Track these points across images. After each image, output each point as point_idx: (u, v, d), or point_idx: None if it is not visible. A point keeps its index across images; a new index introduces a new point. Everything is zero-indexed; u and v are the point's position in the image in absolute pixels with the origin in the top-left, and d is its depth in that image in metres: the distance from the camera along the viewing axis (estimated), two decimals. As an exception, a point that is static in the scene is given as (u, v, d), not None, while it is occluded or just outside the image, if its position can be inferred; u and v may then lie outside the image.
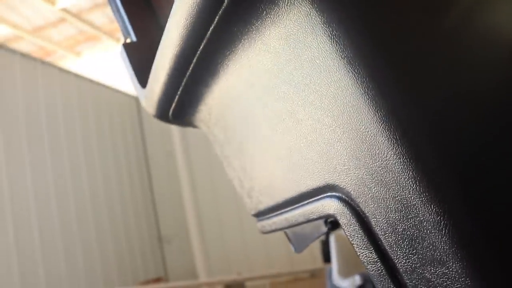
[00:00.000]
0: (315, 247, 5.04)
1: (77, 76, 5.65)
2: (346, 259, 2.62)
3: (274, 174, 0.52)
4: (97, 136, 5.63)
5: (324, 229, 0.55)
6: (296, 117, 0.47)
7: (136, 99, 6.43)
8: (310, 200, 0.50)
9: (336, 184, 0.46)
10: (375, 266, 0.46)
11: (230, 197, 5.60)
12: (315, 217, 0.50)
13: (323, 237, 4.63)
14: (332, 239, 2.78)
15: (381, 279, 0.46)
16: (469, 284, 0.39)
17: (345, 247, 2.79)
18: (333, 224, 0.53)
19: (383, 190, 0.42)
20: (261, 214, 0.61)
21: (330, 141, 0.45)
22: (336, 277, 2.17)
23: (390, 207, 0.42)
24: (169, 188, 6.24)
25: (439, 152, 0.39)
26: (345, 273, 2.18)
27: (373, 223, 0.45)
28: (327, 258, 4.40)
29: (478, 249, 0.39)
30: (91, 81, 5.89)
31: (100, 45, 7.11)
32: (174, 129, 5.81)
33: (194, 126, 0.66)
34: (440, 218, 0.39)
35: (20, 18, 5.98)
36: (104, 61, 7.15)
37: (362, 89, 0.39)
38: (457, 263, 0.40)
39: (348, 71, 0.39)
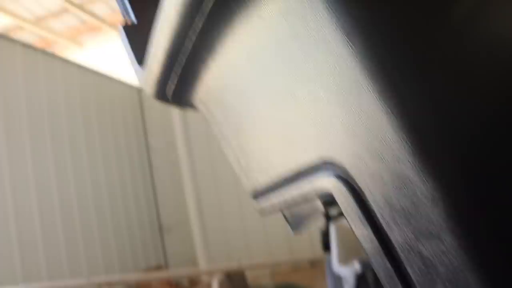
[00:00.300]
0: (315, 236, 5.05)
1: (79, 66, 5.66)
2: (346, 248, 2.62)
3: (272, 152, 0.52)
4: (99, 126, 5.64)
5: (322, 209, 0.55)
6: (294, 92, 0.47)
7: (138, 90, 6.43)
8: (307, 177, 0.49)
9: (333, 160, 0.46)
10: (371, 243, 0.46)
11: (231, 186, 5.61)
12: (312, 194, 0.50)
13: (323, 227, 4.64)
14: (333, 228, 2.78)
15: (377, 256, 0.46)
16: (465, 259, 0.39)
17: (346, 236, 2.79)
18: (330, 204, 0.53)
19: (380, 165, 0.42)
20: (259, 195, 0.61)
21: (328, 116, 0.44)
22: (336, 265, 2.18)
23: (387, 182, 0.42)
24: (170, 178, 6.26)
25: (437, 126, 0.39)
26: (345, 261, 2.19)
27: (370, 199, 0.45)
28: (326, 247, 4.42)
29: (474, 225, 0.39)
30: (93, 71, 5.89)
31: (102, 36, 7.11)
32: (176, 119, 5.80)
33: (193, 107, 0.66)
34: (436, 193, 0.39)
35: (22, 8, 5.97)
36: (106, 52, 7.15)
37: (360, 63, 0.39)
38: (453, 239, 0.40)
39: (346, 44, 0.39)
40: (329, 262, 2.47)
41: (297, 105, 0.47)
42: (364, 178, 0.44)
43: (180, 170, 5.81)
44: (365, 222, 0.45)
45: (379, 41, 0.39)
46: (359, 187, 0.45)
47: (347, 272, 1.96)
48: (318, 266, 5.04)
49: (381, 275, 0.46)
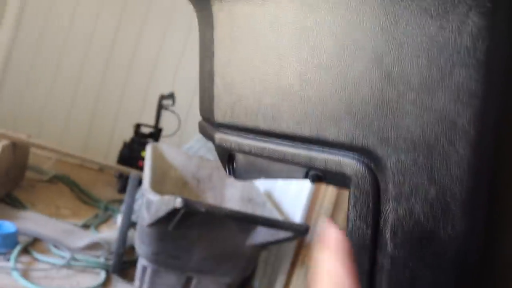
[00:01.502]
0: (113, 146, 4.90)
1: None
2: (158, 176, 2.60)
3: (296, 103, 0.46)
4: None
5: (299, 176, 0.52)
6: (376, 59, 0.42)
7: None
8: (326, 149, 0.46)
9: (374, 152, 0.42)
10: (361, 237, 0.44)
11: (54, 53, 5.07)
12: (319, 167, 0.46)
13: (126, 140, 4.52)
14: (149, 150, 2.73)
15: (360, 249, 0.45)
16: None
17: (160, 163, 2.77)
18: (318, 177, 0.50)
19: (428, 184, 0.40)
20: (231, 128, 0.54)
21: (397, 110, 0.41)
22: (147, 189, 2.14)
23: (417, 203, 0.41)
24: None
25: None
26: (156, 189, 2.16)
27: (385, 203, 0.43)
28: (122, 160, 4.33)
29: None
30: None
31: None
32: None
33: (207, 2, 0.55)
34: (465, 231, 0.40)
35: None
36: None
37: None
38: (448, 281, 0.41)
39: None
40: (133, 179, 2.42)
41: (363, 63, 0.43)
42: (400, 186, 0.42)
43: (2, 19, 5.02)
44: (368, 220, 0.44)
45: None
46: (383, 186, 0.43)
47: (160, 200, 1.93)
48: (105, 172, 4.93)
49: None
